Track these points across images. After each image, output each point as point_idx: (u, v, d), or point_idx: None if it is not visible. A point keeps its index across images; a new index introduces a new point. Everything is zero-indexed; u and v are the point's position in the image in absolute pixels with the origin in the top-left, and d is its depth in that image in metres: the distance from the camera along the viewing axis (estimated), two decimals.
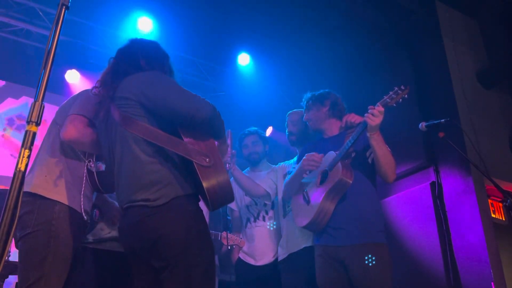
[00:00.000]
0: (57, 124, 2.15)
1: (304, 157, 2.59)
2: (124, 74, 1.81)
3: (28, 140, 0.98)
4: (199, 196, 1.73)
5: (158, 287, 1.64)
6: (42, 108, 1.02)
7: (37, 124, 1.00)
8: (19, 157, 0.96)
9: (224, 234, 2.92)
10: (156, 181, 1.64)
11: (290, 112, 3.13)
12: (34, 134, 0.99)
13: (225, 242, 2.91)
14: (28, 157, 0.96)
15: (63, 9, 1.16)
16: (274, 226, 2.97)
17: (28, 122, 1.00)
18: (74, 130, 1.94)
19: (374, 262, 2.32)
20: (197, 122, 1.66)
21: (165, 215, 1.61)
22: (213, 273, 1.69)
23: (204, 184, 1.60)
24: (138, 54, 1.90)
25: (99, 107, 1.86)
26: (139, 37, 2.06)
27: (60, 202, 1.97)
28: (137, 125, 1.67)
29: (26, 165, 0.96)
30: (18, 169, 0.94)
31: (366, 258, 2.32)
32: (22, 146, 0.96)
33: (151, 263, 1.66)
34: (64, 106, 2.21)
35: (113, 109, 1.76)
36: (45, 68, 1.06)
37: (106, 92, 1.81)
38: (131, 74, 1.79)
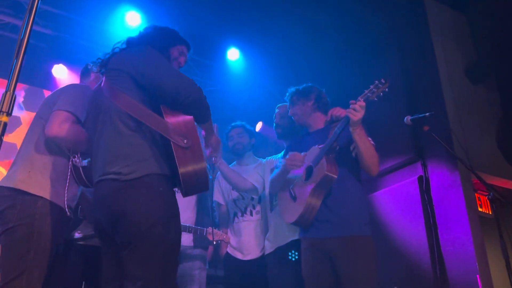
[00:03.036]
0: (41, 118, 2.13)
1: (287, 156, 2.60)
2: (120, 50, 1.85)
3: None
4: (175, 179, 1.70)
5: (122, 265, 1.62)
6: (13, 99, 1.01)
7: (8, 114, 0.99)
8: None
9: (209, 229, 2.92)
10: (131, 155, 1.63)
11: (279, 105, 3.14)
12: (5, 124, 0.98)
13: (210, 237, 2.91)
14: None
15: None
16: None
17: None
18: (59, 127, 1.94)
19: (359, 254, 2.34)
20: (181, 99, 1.66)
21: (134, 191, 1.59)
22: (176, 256, 1.67)
23: (180, 169, 1.58)
24: (144, 36, 1.94)
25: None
26: (126, 31, 2.08)
27: (42, 197, 1.97)
28: (123, 98, 1.68)
29: None
30: None
31: (351, 250, 2.34)
32: None
33: (116, 239, 1.64)
34: (49, 100, 2.19)
35: (103, 81, 1.78)
36: (17, 58, 1.04)
37: (100, 66, 1.84)
38: (125, 49, 1.83)
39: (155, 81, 1.69)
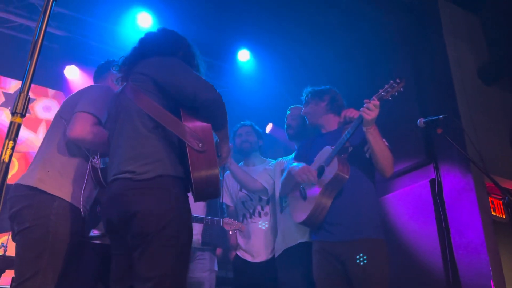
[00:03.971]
0: (62, 118, 2.15)
1: (301, 167, 2.52)
2: (142, 57, 1.86)
3: (12, 131, 0.97)
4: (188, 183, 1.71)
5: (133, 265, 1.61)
6: (27, 100, 1.01)
7: (22, 115, 0.99)
8: (3, 148, 0.95)
9: (225, 219, 2.94)
10: (147, 154, 1.65)
11: (292, 106, 3.14)
12: (19, 125, 0.99)
13: (227, 227, 2.93)
14: (12, 148, 0.96)
15: (51, 1, 1.15)
16: (266, 225, 3.00)
17: (13, 114, 0.99)
18: (81, 129, 1.96)
19: (371, 258, 2.31)
20: (199, 102, 1.68)
21: (147, 191, 1.60)
22: (187, 258, 1.67)
23: (193, 174, 1.59)
24: (159, 40, 1.94)
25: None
26: (138, 32, 2.09)
27: (59, 198, 1.98)
28: (144, 99, 1.71)
29: (10, 157, 0.95)
30: (1, 161, 0.93)
31: (363, 254, 2.31)
32: (7, 137, 0.96)
33: (127, 240, 1.64)
34: (70, 101, 2.21)
35: (128, 83, 1.82)
36: (31, 59, 1.04)
37: (124, 72, 1.88)
38: (150, 57, 1.85)
39: (175, 83, 1.72)
